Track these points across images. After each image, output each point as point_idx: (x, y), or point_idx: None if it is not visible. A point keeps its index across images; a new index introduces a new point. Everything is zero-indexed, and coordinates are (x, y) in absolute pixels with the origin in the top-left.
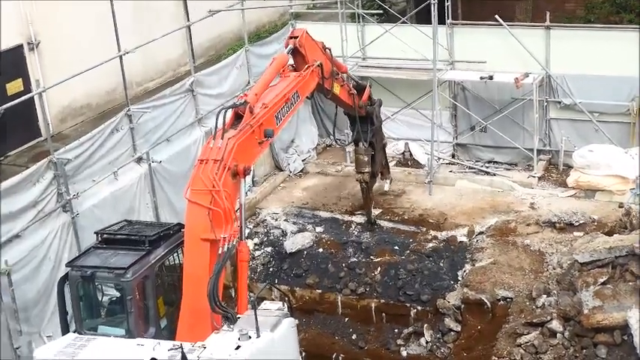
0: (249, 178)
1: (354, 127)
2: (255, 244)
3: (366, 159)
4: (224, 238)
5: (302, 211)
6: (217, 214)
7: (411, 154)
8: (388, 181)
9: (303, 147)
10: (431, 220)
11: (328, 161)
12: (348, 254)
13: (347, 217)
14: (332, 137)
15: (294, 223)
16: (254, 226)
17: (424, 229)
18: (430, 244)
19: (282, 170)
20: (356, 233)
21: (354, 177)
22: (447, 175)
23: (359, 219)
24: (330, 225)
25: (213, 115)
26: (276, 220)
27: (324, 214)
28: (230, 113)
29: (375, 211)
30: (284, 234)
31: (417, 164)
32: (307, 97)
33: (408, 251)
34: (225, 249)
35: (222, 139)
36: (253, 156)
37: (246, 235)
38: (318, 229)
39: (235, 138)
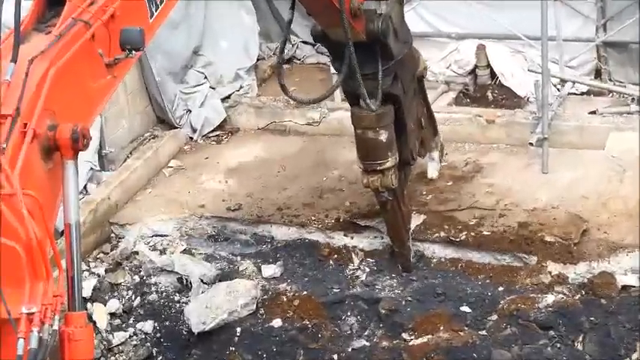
0: (88, 154)
1: (339, 60)
2: (116, 316)
3: (380, 138)
4: (31, 314)
5: (227, 227)
6: (12, 257)
7: (491, 73)
8: (436, 154)
9: (224, 68)
10: (548, 238)
11: (284, 101)
12: (343, 331)
13: (338, 239)
14: (290, 41)
15: (207, 257)
16: (109, 270)
17: (532, 260)
18: (548, 298)
19: (175, 128)
20: (363, 278)
21: (348, 146)
22: (584, 122)
23: (368, 242)
24: (297, 259)
25: None
26: (163, 251)
27: (281, 232)
28: None
29: (416, 221)
30: (183, 286)
31: (504, 97)
32: None
33: (495, 317)
34: (35, 339)
35: (13, 61)
36: (96, 99)
37: (87, 298)
38: (269, 269)
39: (49, 57)
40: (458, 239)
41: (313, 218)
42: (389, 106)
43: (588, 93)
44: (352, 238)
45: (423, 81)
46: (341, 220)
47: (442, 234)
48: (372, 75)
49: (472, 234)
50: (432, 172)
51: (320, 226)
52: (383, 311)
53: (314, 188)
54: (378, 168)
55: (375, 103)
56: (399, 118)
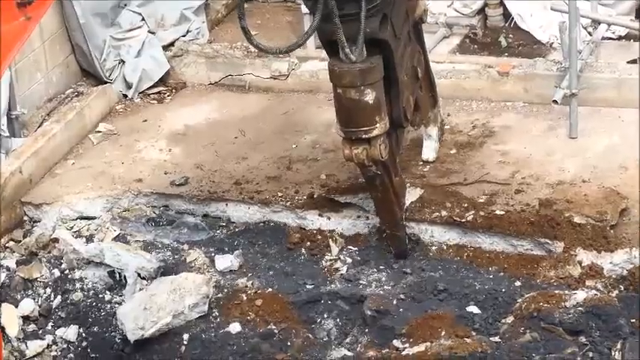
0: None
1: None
2: (31, 321)
3: (366, 99)
4: None
5: (170, 207)
6: None
7: (504, 13)
8: (434, 130)
9: (166, 7)
10: (577, 219)
11: (244, 49)
12: (319, 337)
13: (311, 220)
14: None
15: (146, 245)
16: (21, 263)
17: (557, 247)
18: (578, 295)
19: (105, 83)
20: (343, 271)
21: (323, 105)
22: (622, 73)
23: (349, 224)
24: (260, 247)
25: None
26: (90, 239)
27: (239, 212)
28: None
29: (411, 196)
30: (116, 282)
31: (521, 44)
32: None
33: (511, 319)
34: None
35: None
36: (5, 47)
37: None
38: (225, 260)
39: None
40: (464, 220)
41: (280, 194)
42: (376, 57)
43: (627, 37)
44: (329, 218)
45: (421, 27)
46: (315, 197)
47: (444, 213)
48: (354, 16)
49: (481, 214)
50: (429, 152)
51: (289, 204)
52: (369, 312)
53: (281, 158)
54: (364, 136)
55: (357, 51)
56: (388, 70)
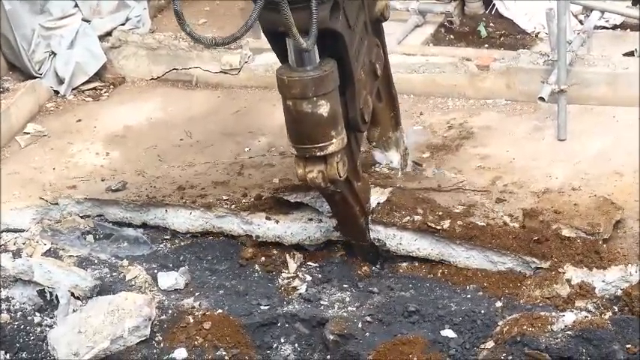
0: None
1: None
2: None
3: (320, 112)
4: None
5: (106, 215)
6: None
7: (486, 2)
8: (396, 155)
9: None
10: (566, 232)
11: (190, 40)
12: None
13: (258, 224)
14: None
15: (80, 261)
16: None
17: (543, 263)
18: (567, 317)
19: (34, 78)
20: (302, 290)
21: (279, 103)
22: (617, 67)
23: (299, 228)
24: (209, 263)
25: None
26: (17, 254)
27: (180, 218)
28: None
29: (377, 197)
30: (47, 303)
31: (504, 34)
32: None
33: (491, 344)
34: None
35: None
36: None
37: None
38: (169, 278)
39: None
40: (439, 227)
41: (225, 198)
42: (331, 63)
43: (623, 27)
44: (277, 222)
45: (381, 25)
46: (263, 198)
47: (416, 218)
48: (301, 2)
49: (458, 224)
50: (394, 162)
51: (233, 207)
52: (331, 337)
53: (232, 164)
54: (319, 153)
55: (309, 41)
56: (343, 66)
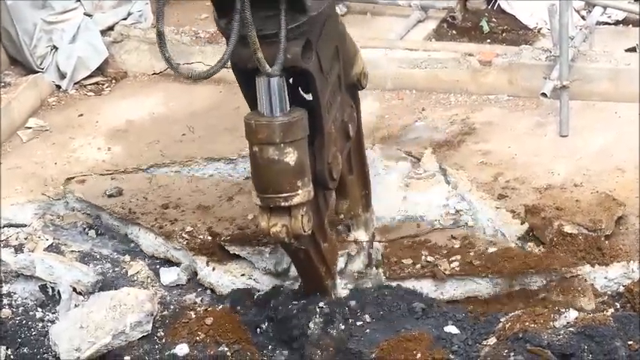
0: None
1: (225, 15)
2: None
3: (286, 160)
4: None
5: (100, 217)
6: None
7: (492, 1)
8: (363, 234)
9: None
10: (568, 228)
11: (192, 34)
12: None
13: (201, 266)
14: None
15: (82, 256)
16: None
17: (545, 261)
18: (569, 314)
19: (36, 72)
20: None
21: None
22: (619, 63)
23: (227, 281)
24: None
25: None
26: (19, 249)
27: (146, 241)
28: None
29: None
30: (49, 298)
31: (506, 29)
32: None
33: (494, 340)
34: None
35: None
36: None
37: None
38: (171, 274)
39: None
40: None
41: (189, 229)
42: (301, 111)
43: (625, 22)
44: (214, 269)
45: (357, 92)
46: (217, 238)
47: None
48: (273, 37)
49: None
50: (354, 265)
51: (185, 243)
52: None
53: (235, 184)
54: (283, 204)
55: (277, 70)
56: (312, 115)
